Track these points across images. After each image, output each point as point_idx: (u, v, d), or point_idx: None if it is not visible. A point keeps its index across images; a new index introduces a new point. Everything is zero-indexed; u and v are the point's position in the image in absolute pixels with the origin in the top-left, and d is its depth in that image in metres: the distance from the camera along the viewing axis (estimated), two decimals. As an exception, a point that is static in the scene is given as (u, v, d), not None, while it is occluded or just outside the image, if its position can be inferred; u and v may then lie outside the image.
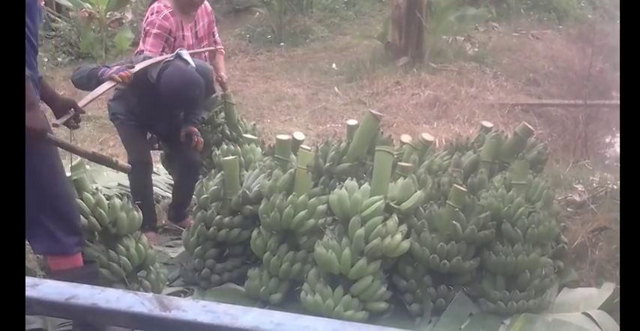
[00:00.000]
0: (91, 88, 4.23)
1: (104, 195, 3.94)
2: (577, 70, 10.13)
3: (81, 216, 3.60)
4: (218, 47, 5.33)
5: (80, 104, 3.69)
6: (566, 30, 13.26)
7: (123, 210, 3.79)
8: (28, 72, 3.06)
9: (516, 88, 9.77)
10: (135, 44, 9.20)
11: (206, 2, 5.14)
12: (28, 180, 3.29)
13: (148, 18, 4.96)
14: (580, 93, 8.25)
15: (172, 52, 4.93)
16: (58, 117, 3.51)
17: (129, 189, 5.05)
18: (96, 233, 3.74)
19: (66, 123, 3.50)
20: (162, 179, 5.82)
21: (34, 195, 3.32)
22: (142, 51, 4.87)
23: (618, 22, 14.45)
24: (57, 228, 3.37)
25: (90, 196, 3.73)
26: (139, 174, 4.71)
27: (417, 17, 10.38)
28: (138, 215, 3.85)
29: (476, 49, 11.27)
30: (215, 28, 5.32)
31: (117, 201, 3.81)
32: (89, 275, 3.48)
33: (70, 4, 10.24)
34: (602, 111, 8.91)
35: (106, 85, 4.14)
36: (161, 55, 4.75)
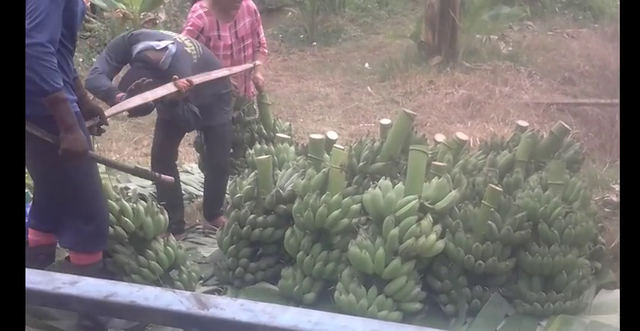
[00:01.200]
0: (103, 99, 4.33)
1: (137, 194, 3.97)
2: (613, 69, 9.98)
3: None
4: (261, 48, 5.28)
5: (107, 113, 3.70)
6: (602, 29, 13.06)
7: (148, 215, 3.82)
8: (64, 78, 3.10)
9: (551, 87, 9.65)
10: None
11: (250, 1, 5.10)
12: (63, 179, 3.35)
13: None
14: (616, 93, 8.11)
15: (215, 54, 4.96)
16: None
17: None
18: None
19: (88, 129, 3.51)
20: (195, 178, 5.86)
21: (68, 193, 3.38)
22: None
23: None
24: (85, 227, 3.45)
25: (114, 204, 3.74)
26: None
27: (451, 16, 10.31)
28: (164, 217, 3.89)
29: (510, 48, 11.16)
30: (260, 28, 5.25)
31: (141, 205, 3.82)
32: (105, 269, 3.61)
33: (104, 5, 10.33)
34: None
35: (148, 96, 4.17)
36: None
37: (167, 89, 4.16)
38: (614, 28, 12.72)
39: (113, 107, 3.97)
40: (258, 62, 5.18)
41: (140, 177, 3.97)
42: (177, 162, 5.15)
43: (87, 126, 3.45)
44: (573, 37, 12.46)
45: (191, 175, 5.98)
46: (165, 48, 4.24)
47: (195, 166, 6.09)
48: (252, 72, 5.20)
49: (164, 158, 4.79)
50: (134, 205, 3.81)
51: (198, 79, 4.38)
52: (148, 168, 4.44)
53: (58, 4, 3.00)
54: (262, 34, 5.30)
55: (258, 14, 5.23)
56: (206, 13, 4.86)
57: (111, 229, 3.68)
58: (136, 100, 4.14)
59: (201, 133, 5.05)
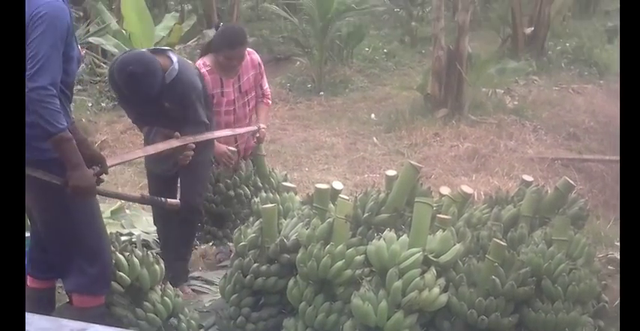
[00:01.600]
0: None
1: (141, 240, 3.96)
2: (618, 126, 10.04)
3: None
4: (265, 99, 5.30)
5: (110, 163, 3.72)
6: (608, 85, 13.19)
7: (144, 266, 3.81)
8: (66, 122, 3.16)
9: (556, 142, 9.71)
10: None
11: (255, 54, 5.14)
12: (66, 221, 3.37)
13: None
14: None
15: (217, 110, 5.03)
16: None
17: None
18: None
19: None
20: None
21: (73, 235, 3.40)
22: None
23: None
24: (90, 268, 3.46)
25: None
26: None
27: (457, 69, 10.43)
28: (160, 267, 3.88)
29: (515, 102, 11.26)
30: (264, 79, 5.27)
31: (136, 256, 3.80)
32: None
33: (115, 50, 10.48)
34: (643, 168, 8.78)
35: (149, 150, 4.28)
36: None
37: (169, 144, 4.26)
38: (619, 84, 12.82)
39: (115, 157, 4.04)
40: (262, 126, 5.19)
41: (147, 204, 4.01)
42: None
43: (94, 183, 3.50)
44: (579, 93, 12.58)
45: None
46: (171, 60, 4.32)
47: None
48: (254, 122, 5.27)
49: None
50: (129, 256, 3.78)
51: (200, 137, 4.47)
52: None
53: (57, 49, 3.08)
54: (266, 86, 5.31)
55: (262, 67, 5.24)
56: (209, 71, 4.90)
57: None
58: (137, 153, 4.29)
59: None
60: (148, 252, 3.90)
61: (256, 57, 5.16)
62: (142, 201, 3.83)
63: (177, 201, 3.84)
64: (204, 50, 4.98)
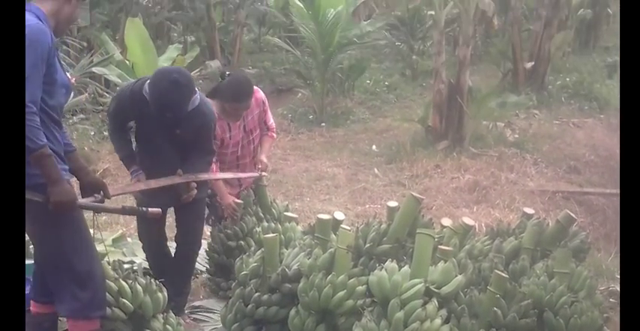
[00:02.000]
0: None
1: (142, 268, 3.95)
2: (618, 159, 10.08)
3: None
4: (269, 133, 5.31)
5: (113, 192, 3.76)
6: (607, 119, 13.27)
7: (147, 293, 3.82)
8: (49, 145, 3.20)
9: (557, 176, 9.74)
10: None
11: (259, 92, 5.13)
12: (56, 245, 3.39)
13: None
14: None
15: (220, 153, 5.05)
16: (83, 194, 3.61)
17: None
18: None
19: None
20: (200, 254, 5.83)
21: (61, 260, 3.42)
22: None
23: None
24: (81, 292, 3.47)
25: (112, 284, 3.73)
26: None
27: (458, 102, 10.50)
28: (162, 295, 3.89)
29: (516, 136, 11.31)
30: (268, 115, 5.28)
31: (139, 284, 3.81)
32: None
33: (118, 80, 10.55)
34: (643, 201, 8.80)
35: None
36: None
37: (171, 180, 4.30)
38: (619, 118, 12.90)
39: (117, 188, 4.05)
40: (264, 173, 5.20)
41: (129, 215, 4.02)
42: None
43: (88, 203, 3.51)
44: (579, 127, 12.64)
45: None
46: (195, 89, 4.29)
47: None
48: (257, 155, 5.29)
49: (153, 241, 4.70)
50: (132, 284, 3.79)
51: (202, 176, 4.49)
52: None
53: (38, 69, 3.12)
54: (271, 121, 5.33)
55: (266, 104, 5.25)
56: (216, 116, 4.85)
57: (109, 310, 3.67)
58: (140, 186, 4.30)
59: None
60: (152, 280, 3.91)
61: (260, 95, 5.16)
62: (122, 211, 3.83)
63: (158, 209, 3.82)
64: (211, 95, 4.85)
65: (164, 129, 4.25)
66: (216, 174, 4.88)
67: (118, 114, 4.36)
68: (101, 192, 3.62)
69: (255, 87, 5.07)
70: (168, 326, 3.88)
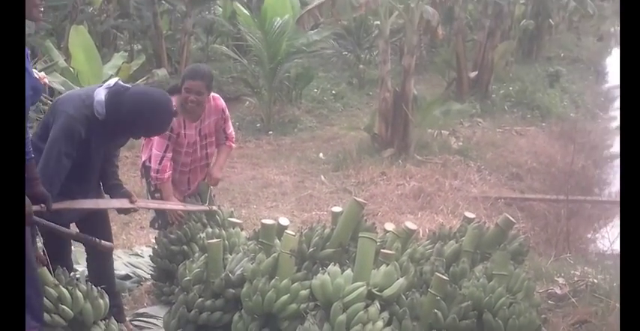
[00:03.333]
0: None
1: (85, 276, 3.90)
2: (559, 166, 10.35)
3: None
4: (227, 142, 5.34)
5: (55, 206, 3.71)
6: (549, 127, 13.59)
7: (88, 300, 3.77)
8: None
9: (500, 182, 9.92)
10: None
11: (220, 100, 5.19)
12: None
13: None
14: (562, 189, 8.39)
15: (175, 151, 5.07)
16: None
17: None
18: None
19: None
20: (145, 261, 5.79)
21: None
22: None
23: (599, 121, 14.83)
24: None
25: (51, 290, 3.67)
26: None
27: (404, 111, 10.62)
28: (104, 301, 3.84)
29: (460, 143, 11.49)
30: (228, 123, 5.31)
31: (80, 290, 3.76)
32: None
33: (62, 88, 10.38)
34: (583, 207, 9.04)
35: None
36: (166, 153, 4.98)
37: (121, 204, 4.33)
38: (560, 126, 13.24)
39: (62, 202, 3.95)
40: (217, 173, 5.29)
41: (81, 242, 3.97)
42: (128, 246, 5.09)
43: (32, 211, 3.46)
44: (521, 135, 12.92)
45: (140, 258, 5.93)
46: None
47: (145, 249, 6.06)
48: (209, 166, 5.32)
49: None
50: (72, 290, 3.73)
51: (152, 204, 4.86)
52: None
53: None
54: (230, 130, 5.35)
55: (226, 112, 5.28)
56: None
57: (48, 317, 3.61)
58: (88, 203, 4.23)
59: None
60: (92, 287, 3.86)
61: (221, 103, 5.21)
62: (76, 237, 3.81)
63: (110, 244, 3.84)
64: (170, 91, 4.93)
65: (103, 147, 4.20)
66: (165, 204, 4.98)
67: (73, 140, 3.98)
68: (43, 204, 3.58)
69: (216, 94, 5.20)
70: (109, 332, 3.84)
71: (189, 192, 5.22)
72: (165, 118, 4.13)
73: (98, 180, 4.39)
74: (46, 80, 4.30)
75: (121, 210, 4.48)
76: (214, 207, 5.12)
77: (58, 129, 3.92)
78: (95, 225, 4.43)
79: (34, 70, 3.55)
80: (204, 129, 5.14)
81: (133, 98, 4.02)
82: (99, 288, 3.90)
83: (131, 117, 4.00)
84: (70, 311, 3.67)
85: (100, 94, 4.03)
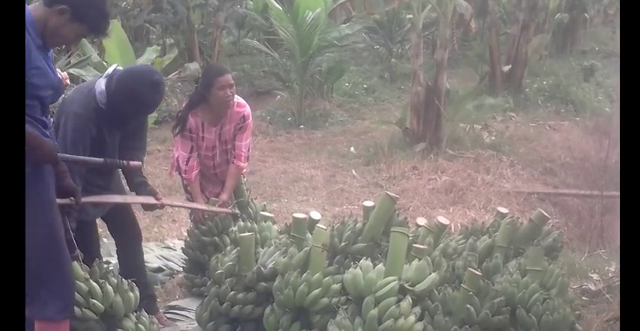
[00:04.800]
0: None
1: (107, 271, 3.89)
2: (594, 161, 10.19)
3: (74, 307, 3.61)
4: (236, 161, 5.19)
5: (84, 199, 3.81)
6: (584, 122, 13.39)
7: (118, 293, 3.80)
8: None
9: (533, 177, 9.81)
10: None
11: (243, 107, 5.13)
12: (29, 244, 3.34)
13: None
14: (596, 184, 8.28)
15: (198, 152, 5.14)
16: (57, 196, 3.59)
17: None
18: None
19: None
20: (177, 254, 5.84)
21: (31, 260, 3.34)
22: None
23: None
24: (47, 294, 3.40)
25: (82, 284, 3.70)
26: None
27: (436, 105, 10.55)
28: (134, 294, 3.88)
29: (493, 138, 11.37)
30: (244, 135, 5.17)
31: (110, 284, 3.79)
32: None
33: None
34: (618, 203, 8.90)
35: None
36: (191, 153, 5.09)
37: (147, 200, 4.40)
38: (594, 121, 13.06)
39: (90, 197, 4.01)
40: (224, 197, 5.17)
41: (110, 167, 4.01)
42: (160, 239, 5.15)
43: (59, 204, 3.51)
44: (555, 129, 12.75)
45: (173, 251, 5.98)
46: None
47: (177, 242, 6.10)
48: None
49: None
50: (103, 283, 3.76)
51: (176, 203, 5.21)
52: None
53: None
54: (244, 142, 5.19)
55: (248, 121, 5.16)
56: (192, 113, 5.04)
57: (79, 311, 3.65)
58: (116, 198, 4.33)
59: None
60: (123, 280, 3.89)
61: (243, 110, 5.13)
62: (104, 164, 3.87)
63: (138, 162, 3.92)
64: (197, 102, 5.05)
65: (116, 136, 4.25)
66: (186, 204, 5.24)
67: (86, 138, 4.06)
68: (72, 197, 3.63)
69: (242, 101, 5.17)
70: (140, 325, 3.87)
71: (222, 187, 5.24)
72: (151, 89, 4.06)
73: (119, 174, 4.47)
74: (67, 81, 4.36)
75: (146, 207, 4.54)
76: (237, 211, 5.13)
77: (70, 130, 4.00)
78: (122, 219, 4.60)
79: (57, 69, 3.58)
80: (224, 134, 5.15)
81: (119, 78, 4.08)
82: (129, 281, 3.93)
83: (123, 96, 4.04)
84: (101, 305, 3.71)
85: (101, 84, 4.10)
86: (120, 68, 4.23)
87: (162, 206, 4.52)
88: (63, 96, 4.10)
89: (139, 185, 4.44)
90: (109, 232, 4.80)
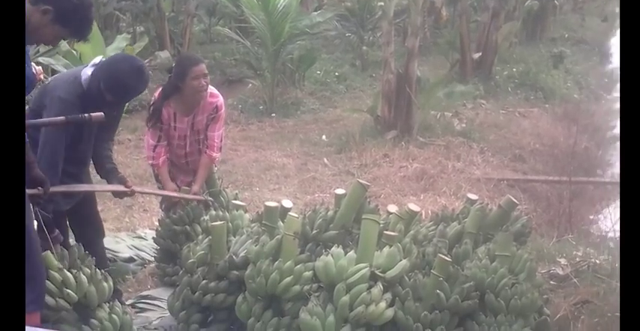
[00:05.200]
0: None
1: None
2: (562, 148, 10.34)
3: (47, 296, 3.59)
4: (208, 150, 5.17)
5: (53, 188, 3.78)
6: (553, 109, 13.55)
7: (92, 283, 3.79)
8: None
9: (502, 164, 9.92)
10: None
11: (216, 98, 5.12)
12: None
13: None
14: (565, 171, 8.39)
15: (168, 142, 5.13)
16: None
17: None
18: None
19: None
20: (148, 243, 5.84)
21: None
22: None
23: (603, 102, 14.83)
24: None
25: (56, 274, 3.69)
26: None
27: (407, 92, 10.60)
28: (108, 285, 3.87)
29: (463, 125, 11.46)
30: (216, 126, 5.14)
31: (84, 274, 3.78)
32: None
33: (65, 71, 10.41)
34: (586, 188, 9.06)
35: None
36: (159, 142, 5.09)
37: (116, 187, 4.43)
38: (563, 108, 13.21)
39: (59, 186, 4.02)
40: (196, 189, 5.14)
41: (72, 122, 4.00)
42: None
43: (28, 194, 3.49)
44: (524, 116, 12.89)
45: (144, 241, 5.97)
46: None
47: (148, 232, 6.09)
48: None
49: None
50: (77, 273, 3.75)
51: (147, 190, 5.18)
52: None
53: None
54: (217, 132, 5.17)
55: (220, 112, 5.14)
56: (165, 104, 5.05)
57: (52, 301, 3.64)
58: (84, 187, 4.39)
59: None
60: (97, 269, 3.89)
61: (216, 100, 5.11)
62: (66, 121, 3.84)
63: (100, 113, 3.86)
64: (167, 93, 5.04)
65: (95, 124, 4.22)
66: (157, 190, 5.27)
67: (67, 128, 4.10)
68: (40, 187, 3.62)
69: (214, 91, 5.15)
70: (113, 315, 3.86)
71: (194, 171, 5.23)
72: (136, 74, 4.13)
73: (89, 164, 4.51)
74: (42, 76, 4.38)
75: (116, 194, 4.58)
76: (209, 198, 5.13)
77: (54, 114, 3.98)
78: (86, 213, 4.60)
79: (32, 64, 3.56)
80: (196, 124, 5.13)
81: (104, 65, 4.15)
82: (102, 271, 3.93)
83: (107, 82, 4.08)
84: (75, 295, 3.70)
85: (87, 72, 4.16)
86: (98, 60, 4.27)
87: (132, 193, 4.51)
88: (39, 85, 4.12)
89: (109, 172, 4.46)
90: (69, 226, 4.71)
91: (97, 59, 4.25)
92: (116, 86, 4.09)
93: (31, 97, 4.32)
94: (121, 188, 4.40)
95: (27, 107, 3.75)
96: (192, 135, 5.15)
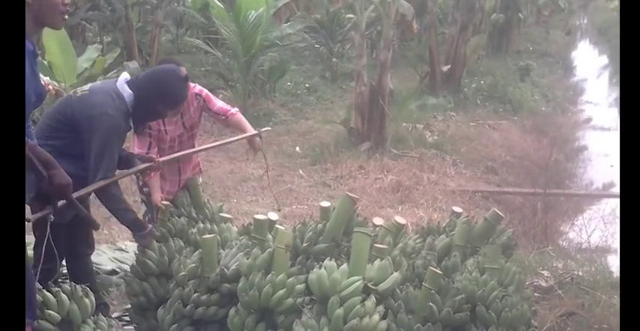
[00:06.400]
0: None
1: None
2: (533, 160, 10.50)
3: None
4: (229, 114, 5.23)
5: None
6: (521, 121, 13.75)
7: (73, 301, 3.74)
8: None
9: (475, 176, 10.04)
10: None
11: (196, 86, 5.14)
12: None
13: None
14: (536, 182, 8.52)
15: (159, 147, 5.10)
16: None
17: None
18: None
19: None
20: (130, 256, 5.77)
21: None
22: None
23: (569, 114, 15.01)
24: None
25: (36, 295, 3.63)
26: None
27: (380, 105, 10.68)
28: (89, 300, 3.81)
29: (435, 137, 11.59)
30: (213, 102, 5.20)
31: (64, 291, 3.72)
32: None
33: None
34: (559, 200, 9.19)
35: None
36: (150, 149, 5.05)
37: (145, 165, 4.49)
38: (532, 120, 13.42)
39: (87, 188, 4.04)
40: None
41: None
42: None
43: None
44: (494, 128, 13.06)
45: (125, 253, 5.92)
46: None
47: (129, 244, 6.04)
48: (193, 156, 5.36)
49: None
50: (57, 292, 3.69)
51: (174, 155, 4.91)
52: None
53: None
54: (218, 103, 5.24)
55: (204, 93, 5.17)
56: None
57: (35, 323, 3.56)
58: (119, 175, 4.35)
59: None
60: (76, 286, 3.82)
61: (193, 90, 5.09)
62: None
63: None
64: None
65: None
66: (190, 151, 5.19)
67: (119, 138, 4.30)
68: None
69: (190, 84, 5.07)
70: (99, 330, 3.82)
71: (181, 182, 5.20)
72: (184, 84, 4.40)
73: None
74: (51, 87, 4.37)
75: (142, 172, 4.60)
76: (231, 111, 5.23)
77: (104, 130, 4.09)
78: (81, 225, 4.46)
79: (41, 75, 3.53)
80: (187, 121, 5.13)
81: (152, 78, 4.32)
82: (82, 286, 3.85)
83: (159, 93, 4.24)
84: (57, 315, 3.64)
85: (126, 89, 4.23)
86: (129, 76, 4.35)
87: (158, 167, 4.59)
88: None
89: (127, 157, 4.49)
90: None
91: (125, 75, 4.33)
92: (169, 96, 4.28)
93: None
94: (147, 164, 4.47)
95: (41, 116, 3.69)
96: (187, 132, 5.15)
